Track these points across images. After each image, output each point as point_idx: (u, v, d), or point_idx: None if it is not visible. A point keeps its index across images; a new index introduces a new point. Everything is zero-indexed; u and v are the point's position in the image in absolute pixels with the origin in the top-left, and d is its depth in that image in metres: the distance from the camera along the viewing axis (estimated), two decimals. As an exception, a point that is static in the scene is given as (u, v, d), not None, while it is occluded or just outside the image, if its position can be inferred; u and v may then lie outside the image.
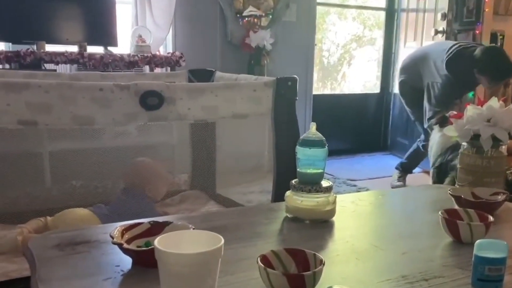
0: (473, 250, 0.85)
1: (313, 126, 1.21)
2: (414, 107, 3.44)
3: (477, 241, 0.86)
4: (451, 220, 1.05)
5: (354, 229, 1.17)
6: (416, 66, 3.31)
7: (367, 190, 3.52)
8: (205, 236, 0.75)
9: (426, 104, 3.20)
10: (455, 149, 2.45)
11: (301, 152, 1.19)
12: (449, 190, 1.31)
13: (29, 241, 1.02)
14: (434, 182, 2.65)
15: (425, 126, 3.24)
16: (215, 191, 2.45)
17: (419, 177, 3.82)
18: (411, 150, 3.62)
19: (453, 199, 1.27)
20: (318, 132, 1.20)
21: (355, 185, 3.64)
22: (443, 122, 2.65)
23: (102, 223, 1.76)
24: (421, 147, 3.46)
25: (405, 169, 3.63)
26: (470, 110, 1.36)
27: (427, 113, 3.18)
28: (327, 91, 4.94)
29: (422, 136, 3.44)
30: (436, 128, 2.73)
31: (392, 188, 3.47)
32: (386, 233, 1.17)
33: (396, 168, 3.65)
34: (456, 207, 1.24)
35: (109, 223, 1.71)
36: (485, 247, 0.85)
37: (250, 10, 3.70)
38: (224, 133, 2.39)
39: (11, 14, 2.74)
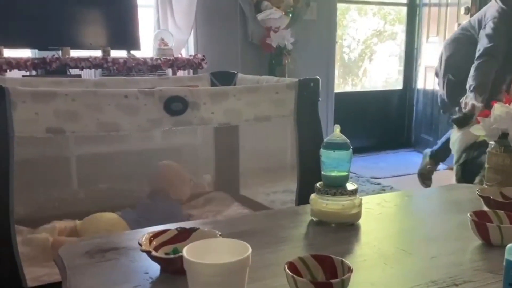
0: (504, 254, 0.83)
1: (337, 129, 1.20)
2: None
3: (509, 245, 0.84)
4: (480, 222, 1.03)
5: (381, 232, 1.16)
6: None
7: (391, 188, 3.48)
8: (232, 245, 0.76)
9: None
10: (480, 145, 2.40)
11: (325, 155, 1.19)
12: (477, 190, 1.28)
13: (60, 249, 1.04)
14: (458, 180, 2.59)
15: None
16: (239, 192, 2.47)
17: (444, 174, 3.76)
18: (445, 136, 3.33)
19: (481, 199, 1.24)
20: (342, 135, 1.19)
21: (379, 183, 3.61)
22: (463, 122, 2.60)
23: (130, 227, 1.78)
24: None
25: (438, 155, 3.48)
26: (498, 109, 1.33)
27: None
28: (348, 87, 4.91)
29: None
30: (455, 128, 2.66)
31: (418, 174, 3.35)
32: (413, 236, 1.15)
33: (430, 157, 3.42)
34: (485, 207, 1.22)
35: (136, 227, 1.75)
36: (517, 251, 0.83)
37: (270, 14, 3.67)
38: (247, 134, 2.40)
39: (36, 21, 2.79)
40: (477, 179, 2.36)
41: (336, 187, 1.18)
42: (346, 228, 1.16)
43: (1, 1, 2.71)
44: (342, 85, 4.82)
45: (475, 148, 2.49)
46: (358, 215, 1.19)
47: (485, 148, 2.28)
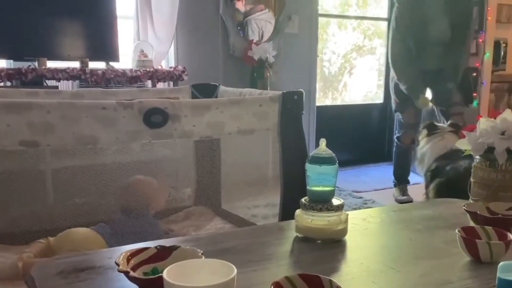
0: (497, 272, 0.81)
1: (322, 143, 1.17)
2: None
3: (501, 264, 0.82)
4: (469, 239, 1.01)
5: (368, 249, 1.13)
6: None
7: (374, 202, 3.48)
8: (216, 265, 0.72)
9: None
10: (451, 155, 2.46)
11: (311, 170, 1.16)
12: (464, 205, 1.27)
13: (32, 269, 0.98)
14: (426, 186, 2.64)
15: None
16: (220, 207, 2.42)
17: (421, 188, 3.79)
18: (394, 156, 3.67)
19: (468, 214, 1.23)
20: (328, 149, 1.16)
21: (361, 197, 3.60)
22: (431, 129, 2.67)
23: (106, 242, 1.72)
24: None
25: (400, 179, 3.61)
26: (483, 123, 1.33)
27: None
28: (328, 101, 4.93)
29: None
30: (424, 138, 2.73)
31: (398, 203, 3.44)
32: (401, 252, 1.12)
33: (393, 183, 3.65)
34: (471, 223, 1.21)
35: (113, 242, 1.69)
36: (510, 269, 0.81)
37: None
38: (229, 147, 2.36)
39: (12, 31, 2.73)
40: (432, 184, 2.43)
41: (322, 202, 1.15)
42: (332, 244, 1.13)
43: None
44: (323, 98, 4.85)
45: (447, 157, 2.55)
46: (344, 231, 1.16)
47: (453, 157, 2.40)
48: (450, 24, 3.19)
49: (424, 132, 2.83)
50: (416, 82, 3.29)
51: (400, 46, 3.20)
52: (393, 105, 3.52)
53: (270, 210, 2.77)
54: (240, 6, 3.67)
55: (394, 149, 3.66)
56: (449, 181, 2.40)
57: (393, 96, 3.46)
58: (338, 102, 5.01)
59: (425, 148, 2.75)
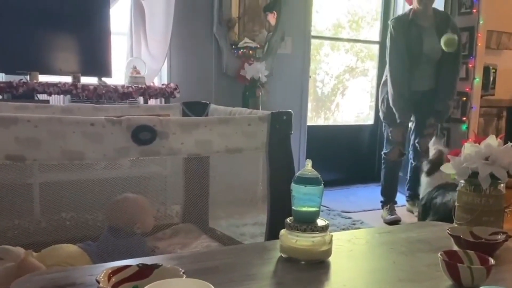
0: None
1: (308, 164, 1.18)
2: None
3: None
4: (451, 263, 1.02)
5: (352, 272, 1.13)
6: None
7: (362, 222, 3.47)
8: (195, 285, 0.72)
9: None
10: (442, 187, 2.49)
11: (296, 190, 1.16)
12: (448, 229, 1.28)
13: (12, 284, 0.97)
14: (418, 219, 2.66)
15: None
16: (207, 225, 2.41)
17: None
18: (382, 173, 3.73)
19: (451, 238, 1.24)
20: (313, 170, 1.17)
21: (350, 217, 3.60)
22: (433, 170, 2.69)
23: (92, 259, 1.70)
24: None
25: (388, 197, 3.63)
26: (468, 148, 1.34)
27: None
28: (321, 121, 4.97)
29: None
30: (423, 174, 2.77)
31: (386, 223, 3.44)
32: (385, 276, 1.13)
33: (381, 203, 3.68)
34: (455, 246, 1.21)
35: (99, 260, 1.67)
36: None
37: (245, 42, 3.73)
38: (217, 165, 2.36)
39: (4, 44, 2.73)
40: (428, 219, 2.44)
41: (307, 223, 1.15)
42: (316, 265, 1.13)
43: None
44: (315, 118, 4.88)
45: (437, 189, 2.56)
46: (328, 252, 1.16)
47: (445, 189, 2.43)
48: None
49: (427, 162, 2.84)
50: (409, 106, 3.37)
51: (399, 61, 3.31)
52: (382, 114, 3.58)
53: (258, 229, 2.75)
54: (233, 35, 3.73)
55: (382, 166, 3.69)
56: (439, 219, 2.42)
57: (383, 109, 3.53)
58: (331, 122, 5.05)
59: (423, 182, 2.78)
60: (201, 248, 2.11)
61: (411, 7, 3.40)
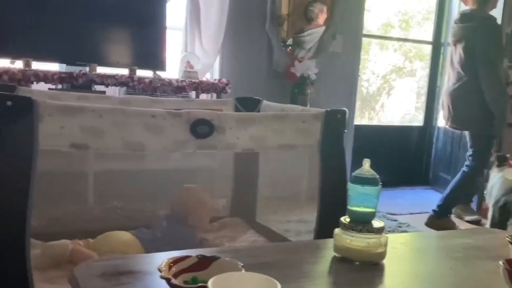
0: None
1: (366, 163, 1.17)
2: None
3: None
4: (515, 272, 0.98)
5: (406, 276, 1.12)
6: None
7: (409, 225, 3.41)
8: (259, 280, 0.73)
9: None
10: None
11: (353, 190, 1.15)
12: (508, 236, 1.23)
13: (75, 269, 1.01)
14: (493, 221, 2.56)
15: None
16: (254, 219, 2.42)
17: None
18: (460, 178, 3.36)
19: (510, 246, 1.19)
20: (371, 169, 1.16)
21: (395, 220, 3.54)
22: (502, 161, 2.59)
23: (144, 248, 1.75)
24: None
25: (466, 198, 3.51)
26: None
27: None
28: (365, 120, 4.91)
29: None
30: (494, 168, 2.65)
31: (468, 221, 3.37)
32: (441, 281, 1.10)
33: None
34: (514, 255, 1.17)
35: (150, 248, 1.72)
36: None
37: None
38: (266, 160, 2.38)
39: (66, 36, 2.84)
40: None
41: (362, 223, 1.14)
42: (370, 267, 1.11)
43: (33, 16, 2.76)
44: (359, 118, 4.83)
45: None
46: (383, 255, 1.14)
47: None
48: None
49: (494, 163, 2.75)
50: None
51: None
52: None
53: (302, 227, 2.76)
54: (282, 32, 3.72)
55: (469, 170, 3.33)
56: None
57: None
58: (375, 122, 4.98)
59: (494, 180, 2.68)
60: (248, 243, 2.13)
61: (468, 7, 3.27)
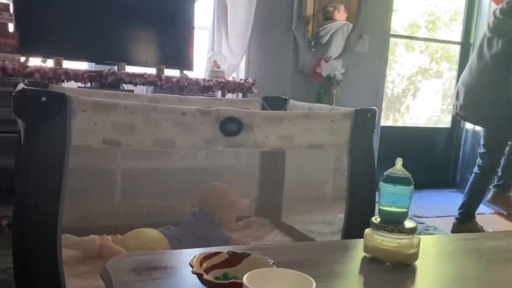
0: None
1: (399, 162, 1.15)
2: None
3: None
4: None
5: (439, 278, 1.09)
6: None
7: (436, 228, 3.35)
8: (294, 277, 0.72)
9: None
10: None
11: (385, 189, 1.13)
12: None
13: (107, 263, 1.02)
14: None
15: None
16: (280, 219, 2.42)
17: (491, 219, 3.61)
18: (473, 181, 3.30)
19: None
20: (404, 169, 1.14)
21: (422, 222, 3.48)
22: None
23: (171, 245, 1.76)
24: None
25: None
26: None
27: None
28: (389, 122, 4.85)
29: None
30: None
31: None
32: (476, 284, 1.07)
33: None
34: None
35: (178, 245, 1.73)
36: None
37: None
38: (292, 160, 2.37)
39: (96, 36, 2.89)
40: None
41: (394, 223, 1.12)
42: (402, 268, 1.10)
43: (64, 16, 2.82)
44: (383, 119, 4.78)
45: None
46: (415, 256, 1.12)
47: None
48: None
49: None
50: None
51: None
52: None
53: (327, 228, 2.74)
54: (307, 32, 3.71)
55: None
56: None
57: None
58: (399, 124, 4.92)
59: None
60: (273, 242, 2.12)
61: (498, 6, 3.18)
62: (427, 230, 3.33)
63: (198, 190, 1.95)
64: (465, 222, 3.28)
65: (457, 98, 3.23)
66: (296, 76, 3.71)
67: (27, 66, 2.49)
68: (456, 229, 3.30)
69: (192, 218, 1.86)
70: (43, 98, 1.29)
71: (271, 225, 2.36)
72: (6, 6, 2.61)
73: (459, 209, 3.32)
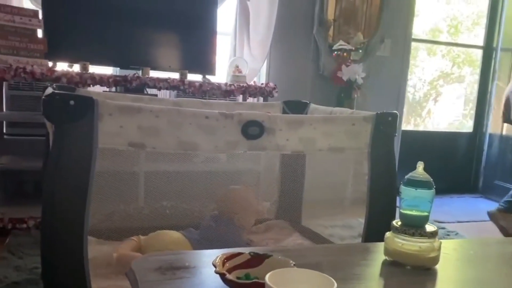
0: None
1: (420, 166, 1.16)
2: None
3: None
4: None
5: (460, 282, 1.10)
6: None
7: (457, 234, 3.31)
8: (315, 277, 0.74)
9: None
10: None
11: (406, 193, 1.14)
12: None
13: (132, 263, 1.05)
14: None
15: None
16: (300, 223, 2.43)
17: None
18: None
19: None
20: (425, 172, 1.15)
21: (443, 228, 3.45)
22: None
23: (193, 247, 1.79)
24: None
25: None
26: None
27: None
28: (410, 127, 4.81)
29: None
30: None
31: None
32: (497, 288, 1.08)
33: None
34: None
35: (199, 247, 1.76)
36: None
37: (340, 44, 3.71)
38: (313, 164, 2.38)
39: (121, 42, 2.95)
40: None
41: (415, 227, 1.13)
42: (422, 272, 1.10)
43: (90, 22, 2.88)
44: (404, 124, 4.75)
45: None
46: (436, 260, 1.13)
47: None
48: None
49: None
50: None
51: None
52: None
53: (346, 232, 2.73)
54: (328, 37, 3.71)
55: None
56: None
57: None
58: (421, 128, 4.88)
59: None
60: (294, 245, 2.13)
61: None
62: (448, 235, 3.29)
63: (218, 193, 1.97)
64: (510, 211, 3.21)
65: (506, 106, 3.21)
66: (316, 80, 3.72)
67: (55, 71, 2.55)
68: (495, 214, 3.23)
69: (212, 222, 1.88)
70: (72, 102, 1.32)
71: (291, 228, 2.37)
72: (35, 13, 2.69)
73: (507, 197, 3.24)
